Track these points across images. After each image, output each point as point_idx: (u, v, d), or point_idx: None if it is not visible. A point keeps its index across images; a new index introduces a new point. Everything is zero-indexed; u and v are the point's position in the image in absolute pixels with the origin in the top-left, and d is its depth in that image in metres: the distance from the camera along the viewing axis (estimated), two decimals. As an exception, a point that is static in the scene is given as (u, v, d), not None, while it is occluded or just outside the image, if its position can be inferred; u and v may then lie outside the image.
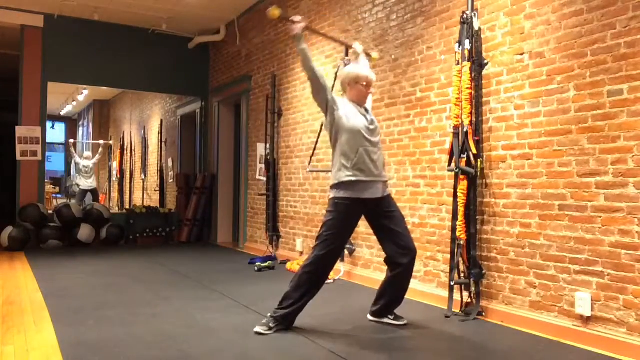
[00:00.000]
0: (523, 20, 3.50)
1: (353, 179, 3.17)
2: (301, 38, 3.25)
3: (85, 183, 9.91)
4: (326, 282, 4.82)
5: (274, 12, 3.30)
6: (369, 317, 3.50)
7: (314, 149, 5.41)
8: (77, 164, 10.11)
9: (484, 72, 3.72)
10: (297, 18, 3.28)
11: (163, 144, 9.88)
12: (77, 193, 9.93)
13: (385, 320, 3.43)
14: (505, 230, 3.57)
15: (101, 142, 11.04)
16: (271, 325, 3.19)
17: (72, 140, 11.04)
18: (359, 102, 3.35)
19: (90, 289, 4.49)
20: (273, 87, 6.39)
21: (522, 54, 3.50)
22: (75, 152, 10.49)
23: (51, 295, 4.14)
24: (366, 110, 3.37)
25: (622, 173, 2.92)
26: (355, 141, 3.20)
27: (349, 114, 3.24)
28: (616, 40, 2.97)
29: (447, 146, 3.94)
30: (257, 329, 3.18)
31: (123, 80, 8.08)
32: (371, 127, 3.28)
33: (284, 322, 3.22)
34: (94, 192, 10.00)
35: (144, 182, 10.61)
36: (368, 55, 3.99)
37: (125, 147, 11.22)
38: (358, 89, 3.33)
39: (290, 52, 6.20)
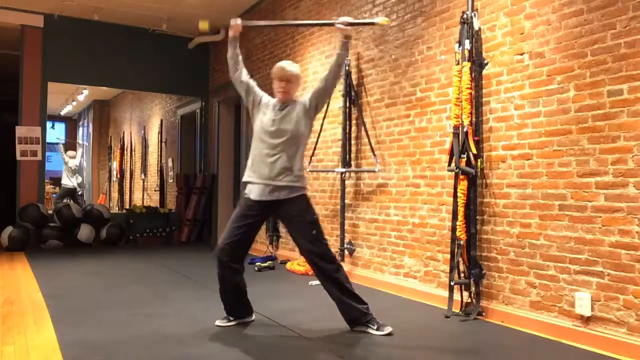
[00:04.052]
0: (523, 20, 3.50)
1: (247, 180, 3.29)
2: (236, 43, 3.36)
3: (69, 182, 9.98)
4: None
5: (203, 25, 3.28)
6: (352, 328, 3.29)
7: (314, 149, 5.41)
8: (65, 163, 10.16)
9: (484, 72, 3.72)
10: (233, 21, 3.27)
11: (163, 144, 9.88)
12: (60, 189, 10.02)
13: (368, 330, 3.21)
14: (505, 230, 3.57)
15: (78, 142, 11.13)
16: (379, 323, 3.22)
17: (61, 141, 11.04)
18: (279, 98, 3.31)
19: (90, 289, 4.49)
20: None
21: (522, 54, 3.50)
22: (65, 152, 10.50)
23: (51, 295, 4.14)
24: (286, 106, 3.28)
25: (622, 173, 2.92)
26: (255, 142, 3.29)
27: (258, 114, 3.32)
28: (616, 40, 2.97)
29: (447, 146, 3.94)
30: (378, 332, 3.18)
31: (123, 80, 8.08)
32: (271, 128, 3.23)
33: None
34: (73, 192, 10.06)
35: (144, 182, 10.61)
36: (369, 24, 3.81)
37: (125, 147, 11.22)
38: (275, 85, 3.34)
39: (290, 53, 6.20)
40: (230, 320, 3.37)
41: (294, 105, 3.30)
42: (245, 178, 3.33)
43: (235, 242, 3.24)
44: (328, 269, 3.23)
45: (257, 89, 3.42)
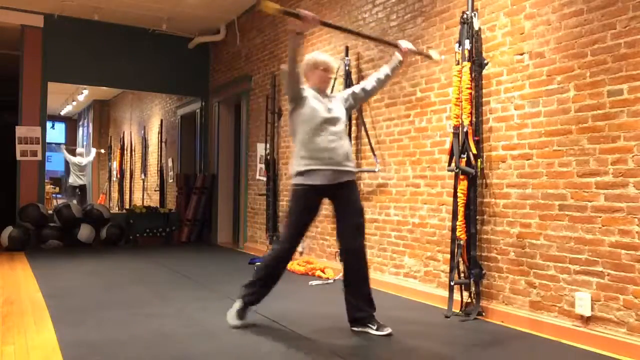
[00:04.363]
0: (523, 20, 3.50)
1: (309, 167, 3.21)
2: (301, 39, 3.14)
3: (77, 180, 10.01)
4: (326, 281, 4.84)
5: (267, 4, 2.76)
6: (352, 327, 3.27)
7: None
8: (71, 163, 10.19)
9: (484, 72, 3.72)
10: (303, 12, 2.98)
11: (163, 144, 9.88)
12: (67, 189, 10.07)
13: (368, 330, 3.19)
14: (505, 230, 3.57)
15: (93, 150, 11.17)
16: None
17: (63, 145, 11.07)
18: (323, 87, 3.32)
19: (90, 289, 4.49)
20: (273, 87, 6.38)
21: (522, 54, 3.50)
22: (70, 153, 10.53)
23: (51, 295, 4.14)
24: (328, 97, 3.34)
25: (622, 173, 2.92)
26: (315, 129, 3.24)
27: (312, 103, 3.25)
28: (616, 40, 2.97)
29: (447, 146, 3.94)
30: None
31: (123, 80, 8.08)
32: (329, 115, 3.23)
33: None
34: (83, 189, 10.09)
35: (144, 182, 10.61)
36: (426, 56, 3.88)
37: (125, 147, 11.22)
38: (318, 74, 3.30)
39: (290, 52, 6.20)
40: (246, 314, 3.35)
41: (333, 96, 3.40)
42: (303, 167, 3.19)
43: (301, 238, 3.33)
44: (362, 260, 3.30)
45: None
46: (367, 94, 3.47)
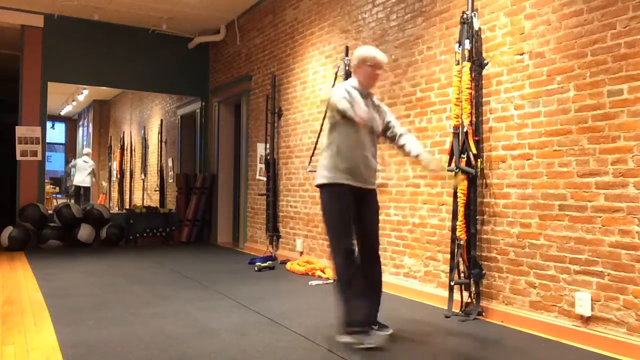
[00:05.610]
0: (523, 20, 3.50)
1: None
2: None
3: (79, 179, 9.99)
4: (326, 281, 4.84)
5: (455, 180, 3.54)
6: None
7: (314, 149, 5.41)
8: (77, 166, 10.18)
9: (484, 72, 3.72)
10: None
11: (163, 144, 9.87)
12: (70, 188, 10.08)
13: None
14: (505, 230, 3.57)
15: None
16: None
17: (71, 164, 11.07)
18: (367, 84, 3.13)
19: (90, 289, 4.49)
20: (273, 87, 6.38)
21: (522, 54, 3.50)
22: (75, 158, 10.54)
23: (51, 295, 4.14)
24: (372, 100, 3.20)
25: (622, 173, 2.92)
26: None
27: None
28: (616, 40, 2.97)
29: (447, 146, 3.94)
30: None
31: (123, 80, 8.08)
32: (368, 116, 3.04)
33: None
34: (86, 191, 10.08)
35: (144, 182, 10.61)
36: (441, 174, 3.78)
37: (125, 147, 11.22)
38: (364, 70, 3.10)
39: (290, 52, 6.20)
40: (374, 330, 3.02)
41: (378, 103, 3.25)
42: (338, 166, 3.03)
43: (353, 236, 3.09)
44: (378, 263, 3.18)
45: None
46: (388, 137, 3.25)
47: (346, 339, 2.94)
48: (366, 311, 3.00)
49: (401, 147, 3.24)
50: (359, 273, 3.04)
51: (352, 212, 3.09)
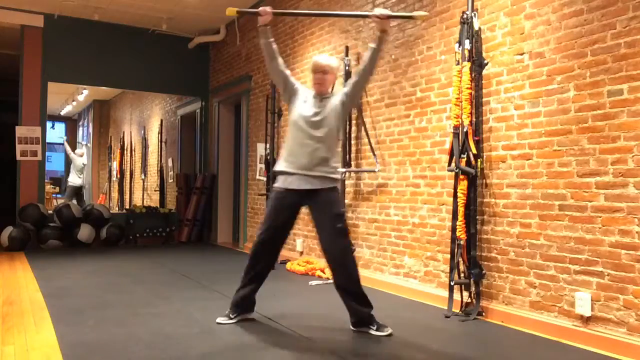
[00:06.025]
0: (523, 20, 3.50)
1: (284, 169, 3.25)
2: (266, 31, 3.22)
3: (77, 179, 10.02)
4: (326, 281, 4.84)
5: (229, 10, 3.23)
6: (352, 328, 3.28)
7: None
8: (72, 160, 10.21)
9: (484, 72, 3.72)
10: (263, 9, 3.18)
11: (163, 144, 9.88)
12: (67, 189, 10.09)
13: (368, 330, 3.21)
14: (505, 230, 3.57)
15: (82, 142, 11.14)
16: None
17: (65, 138, 11.10)
18: (315, 90, 3.28)
19: (90, 289, 4.49)
20: (273, 87, 6.38)
21: (522, 54, 3.50)
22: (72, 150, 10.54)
23: (51, 295, 4.14)
24: (324, 98, 3.26)
25: (622, 173, 2.92)
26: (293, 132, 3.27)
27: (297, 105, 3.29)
28: (616, 40, 2.97)
29: (447, 146, 3.94)
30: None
31: (123, 80, 8.08)
32: (312, 119, 3.20)
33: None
34: (80, 189, 10.11)
35: (144, 182, 10.61)
36: (407, 17, 3.80)
37: (125, 147, 11.22)
38: (311, 78, 3.30)
39: (290, 52, 6.20)
40: (231, 318, 3.39)
41: (331, 97, 3.30)
42: (280, 168, 3.29)
43: (272, 237, 3.32)
44: (346, 266, 3.23)
45: (293, 80, 3.36)
46: (360, 75, 3.25)
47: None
48: (239, 299, 3.41)
49: (367, 58, 3.23)
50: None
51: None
